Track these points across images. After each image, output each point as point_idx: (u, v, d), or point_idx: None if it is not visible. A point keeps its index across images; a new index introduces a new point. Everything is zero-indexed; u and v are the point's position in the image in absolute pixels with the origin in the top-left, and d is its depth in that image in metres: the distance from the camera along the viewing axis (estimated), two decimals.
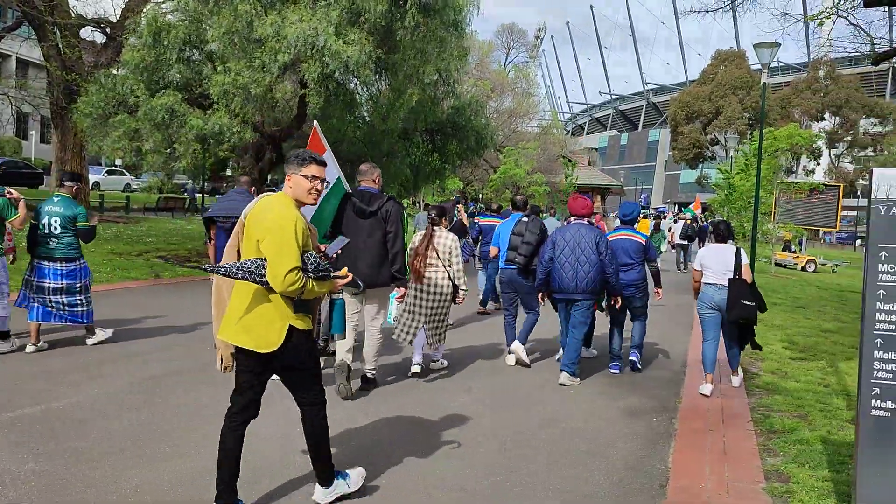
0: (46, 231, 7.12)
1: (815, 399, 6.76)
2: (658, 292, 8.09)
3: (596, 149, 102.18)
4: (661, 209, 74.65)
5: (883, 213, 3.51)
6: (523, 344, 7.69)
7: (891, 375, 3.50)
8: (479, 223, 12.03)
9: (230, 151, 16.30)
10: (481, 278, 12.00)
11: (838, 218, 27.10)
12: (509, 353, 7.82)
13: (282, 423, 5.22)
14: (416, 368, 6.93)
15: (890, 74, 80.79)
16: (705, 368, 7.03)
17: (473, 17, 15.53)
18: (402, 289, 6.29)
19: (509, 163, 36.57)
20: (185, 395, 5.95)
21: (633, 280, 7.60)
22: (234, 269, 3.41)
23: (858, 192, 57.63)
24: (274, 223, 3.44)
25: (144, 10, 15.55)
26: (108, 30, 19.94)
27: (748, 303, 6.72)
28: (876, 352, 3.53)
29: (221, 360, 3.74)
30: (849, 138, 59.40)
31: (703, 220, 34.04)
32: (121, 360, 6.98)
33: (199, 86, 13.79)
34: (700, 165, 71.78)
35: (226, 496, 3.61)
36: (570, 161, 50.15)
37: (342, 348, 6.11)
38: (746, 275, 6.86)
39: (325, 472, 3.86)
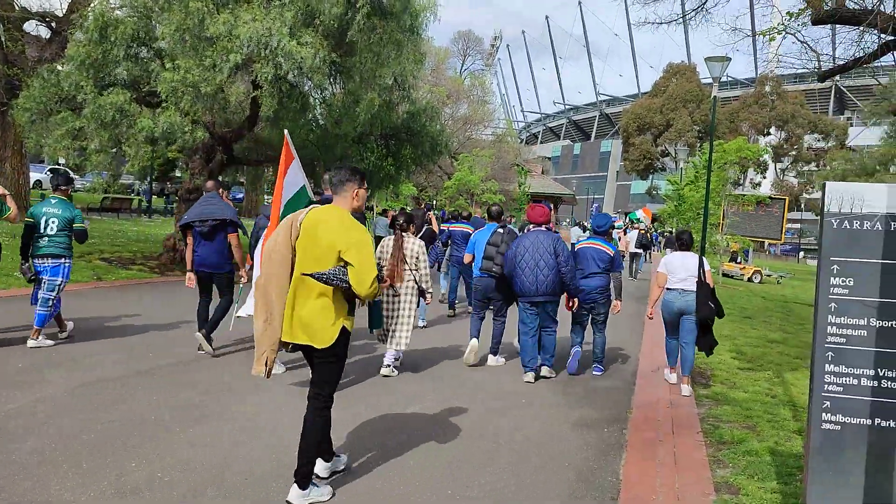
0: (42, 231, 7.43)
1: (763, 410, 6.83)
2: (617, 304, 8.23)
3: (549, 158, 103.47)
4: (612, 218, 75.23)
5: (835, 226, 3.53)
6: (495, 354, 7.95)
7: (841, 389, 3.52)
8: (449, 228, 12.49)
9: (179, 152, 15.93)
10: (443, 283, 12.47)
11: (783, 230, 27.80)
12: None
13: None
14: (385, 370, 7.24)
15: (832, 92, 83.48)
16: (669, 359, 7.91)
17: (430, 23, 15.45)
18: None
19: (464, 170, 36.66)
20: (123, 403, 5.73)
21: (598, 286, 7.91)
22: (328, 276, 3.87)
23: (802, 206, 59.29)
24: (359, 239, 3.94)
25: (91, 4, 15.10)
26: (53, 24, 19.33)
27: (712, 304, 7.25)
28: (827, 365, 3.54)
29: (266, 363, 4.10)
30: (793, 153, 61.12)
31: (655, 230, 34.54)
32: (58, 366, 6.70)
33: (147, 83, 13.44)
34: (650, 176, 73.07)
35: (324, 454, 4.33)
36: (523, 169, 50.62)
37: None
38: (710, 280, 7.41)
39: (306, 473, 4.03)
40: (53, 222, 7.43)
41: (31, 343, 7.40)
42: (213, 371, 6.96)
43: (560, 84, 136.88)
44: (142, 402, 5.76)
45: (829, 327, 3.54)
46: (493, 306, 8.23)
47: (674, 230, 33.15)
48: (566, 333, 8.52)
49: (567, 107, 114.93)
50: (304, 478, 4.02)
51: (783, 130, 62.59)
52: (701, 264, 7.41)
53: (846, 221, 3.51)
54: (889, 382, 3.46)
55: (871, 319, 3.48)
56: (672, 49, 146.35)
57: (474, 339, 8.06)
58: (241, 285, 7.80)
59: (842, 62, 13.20)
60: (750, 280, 27.16)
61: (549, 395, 6.99)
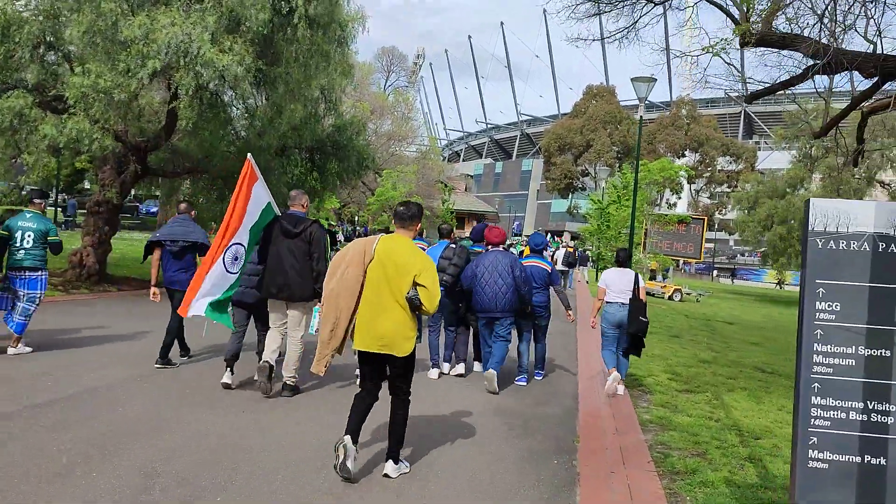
0: (19, 245, 7.77)
1: (710, 435, 6.64)
2: (570, 314, 8.95)
3: (471, 175, 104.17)
4: (536, 234, 76.27)
5: (820, 246, 3.28)
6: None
7: (829, 423, 3.25)
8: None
9: (89, 162, 14.92)
10: None
11: (702, 249, 28.43)
12: (433, 366, 8.52)
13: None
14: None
15: (742, 117, 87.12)
16: (607, 365, 8.38)
17: (358, 35, 15.03)
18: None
19: (387, 185, 36.24)
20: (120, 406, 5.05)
21: (540, 302, 8.64)
22: (415, 298, 4.66)
23: (716, 226, 61.25)
24: (430, 265, 4.78)
25: None
26: None
27: (644, 319, 8.00)
28: (814, 398, 3.27)
29: (326, 365, 4.91)
30: (707, 174, 63.16)
31: (576, 248, 34.87)
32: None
33: (54, 88, 12.52)
34: (571, 195, 74.27)
35: (353, 433, 4.79)
36: (447, 186, 50.52)
37: (269, 349, 6.86)
38: (642, 295, 8.19)
39: (396, 452, 4.94)
40: (29, 235, 7.79)
41: (11, 351, 7.74)
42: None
43: (482, 103, 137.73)
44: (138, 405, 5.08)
45: (814, 356, 3.27)
46: (445, 318, 8.72)
47: (593, 247, 33.56)
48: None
49: (489, 125, 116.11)
50: (397, 455, 4.93)
51: (698, 153, 64.74)
52: (636, 281, 8.21)
53: (832, 241, 3.26)
54: (879, 416, 3.21)
55: (859, 347, 3.24)
56: (591, 71, 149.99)
57: (435, 370, 8.49)
58: None
59: (766, 84, 13.43)
60: (671, 298, 27.60)
61: (492, 425, 6.60)
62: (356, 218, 51.80)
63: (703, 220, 27.95)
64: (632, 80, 17.96)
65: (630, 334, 8.10)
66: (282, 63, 12.86)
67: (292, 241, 6.74)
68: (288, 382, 6.94)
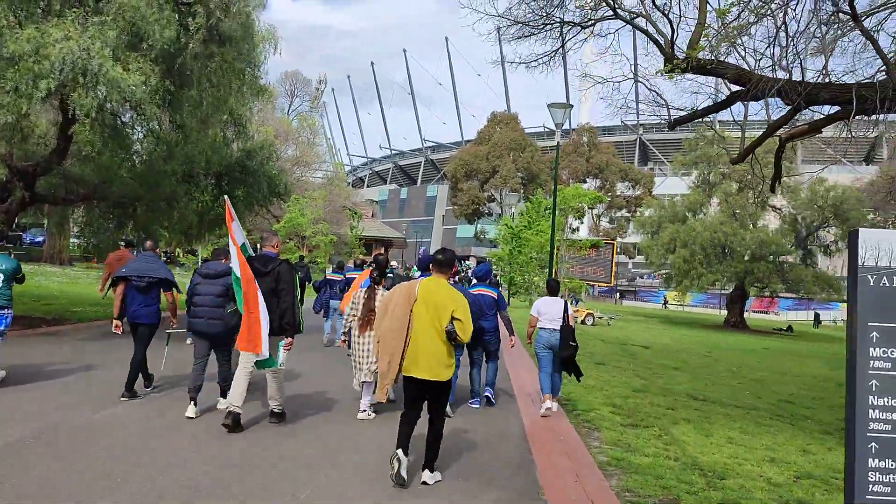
0: None
1: (675, 477, 6.24)
2: (511, 339, 9.45)
3: (376, 201, 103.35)
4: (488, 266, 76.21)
5: (872, 283, 2.85)
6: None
7: (889, 489, 2.79)
8: (347, 276, 13.53)
9: None
10: (326, 327, 14.06)
11: (613, 273, 28.73)
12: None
13: None
14: (363, 415, 7.81)
15: (637, 144, 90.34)
16: (542, 391, 8.96)
17: (270, 56, 14.25)
18: (289, 338, 7.11)
19: (294, 212, 35.10)
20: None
21: (490, 327, 9.11)
22: (454, 331, 5.47)
23: (617, 250, 62.72)
24: (464, 303, 5.63)
25: None
26: None
27: (573, 343, 8.70)
28: (871, 460, 2.82)
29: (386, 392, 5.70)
30: (608, 199, 64.74)
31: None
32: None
33: None
34: (477, 221, 74.64)
35: (404, 447, 5.55)
36: (355, 213, 49.72)
37: (235, 392, 7.00)
38: (571, 321, 8.91)
39: (433, 462, 5.71)
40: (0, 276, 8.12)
41: None
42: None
43: (386, 129, 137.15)
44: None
45: (870, 411, 2.82)
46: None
47: (503, 272, 33.48)
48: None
49: (393, 151, 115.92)
50: (433, 464, 5.72)
51: (599, 178, 66.35)
52: (566, 308, 8.89)
53: (885, 278, 2.84)
54: None
55: None
56: (492, 99, 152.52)
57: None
58: (171, 328, 8.90)
59: (682, 111, 13.47)
60: (583, 322, 27.69)
61: (449, 481, 5.94)
62: (258, 246, 50.24)
63: (613, 244, 28.24)
64: (548, 105, 17.91)
65: (562, 358, 8.80)
66: (191, 84, 11.94)
67: (262, 279, 7.01)
68: (275, 411, 7.33)
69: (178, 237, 16.45)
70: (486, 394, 9.20)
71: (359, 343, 7.98)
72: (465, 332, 5.48)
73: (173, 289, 8.37)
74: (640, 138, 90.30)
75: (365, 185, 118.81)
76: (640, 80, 13.30)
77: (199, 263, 20.24)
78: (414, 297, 5.60)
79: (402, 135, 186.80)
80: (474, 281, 9.74)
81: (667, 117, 13.20)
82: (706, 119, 15.53)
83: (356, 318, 8.01)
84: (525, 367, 13.02)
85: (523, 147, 65.64)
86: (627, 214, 69.17)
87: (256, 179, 16.63)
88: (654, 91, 13.46)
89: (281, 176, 17.76)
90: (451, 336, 5.46)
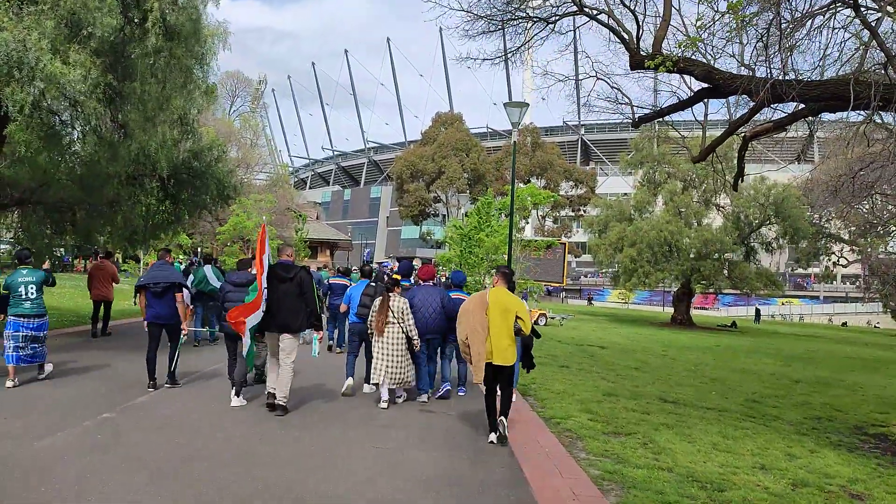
0: (24, 296, 9.23)
1: (675, 491, 5.92)
2: None
3: (319, 203, 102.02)
4: (385, 263, 75.80)
5: None
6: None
7: None
8: (330, 282, 14.63)
9: None
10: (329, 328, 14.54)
11: (565, 273, 28.65)
12: (348, 380, 9.79)
13: None
14: (383, 405, 8.93)
15: (579, 145, 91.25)
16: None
17: (219, 52, 13.54)
18: (319, 332, 8.59)
19: (242, 215, 34.06)
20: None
21: None
22: (519, 328, 7.32)
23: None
24: (524, 306, 7.63)
25: None
26: None
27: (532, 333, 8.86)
28: None
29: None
30: (560, 197, 65.03)
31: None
32: None
33: None
34: (422, 222, 74.22)
35: (493, 424, 7.48)
36: (300, 215, 48.66)
37: (272, 378, 8.40)
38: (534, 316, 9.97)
39: (507, 412, 7.56)
40: (31, 287, 9.27)
41: (42, 375, 9.53)
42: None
43: (328, 130, 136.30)
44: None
45: None
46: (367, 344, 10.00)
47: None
48: None
49: (336, 153, 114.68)
50: (507, 413, 7.56)
51: (543, 178, 66.59)
52: (525, 297, 9.80)
53: None
54: None
55: None
56: (435, 100, 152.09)
57: (350, 378, 9.78)
58: (183, 335, 9.67)
59: (649, 109, 13.31)
60: (536, 322, 27.56)
61: (443, 499, 5.50)
62: (199, 250, 48.45)
63: (566, 245, 28.18)
64: (505, 104, 17.51)
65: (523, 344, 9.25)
66: (136, 78, 11.17)
67: (285, 284, 8.19)
68: (280, 402, 8.18)
69: (122, 243, 15.54)
70: (460, 392, 10.25)
71: (376, 346, 9.13)
72: (526, 326, 7.35)
73: (184, 290, 9.57)
74: (581, 139, 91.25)
75: (307, 186, 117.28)
76: (602, 77, 13.07)
77: (143, 270, 19.32)
78: (486, 304, 7.36)
79: (345, 136, 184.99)
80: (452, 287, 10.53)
81: (631, 115, 13.02)
82: (666, 119, 15.48)
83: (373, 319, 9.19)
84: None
85: (469, 148, 65.51)
86: (572, 214, 69.73)
87: (205, 182, 15.84)
88: (617, 88, 13.28)
89: (230, 177, 16.97)
90: (517, 331, 7.28)
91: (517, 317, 7.26)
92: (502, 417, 7.40)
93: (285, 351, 8.23)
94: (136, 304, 13.43)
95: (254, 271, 8.54)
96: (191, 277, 13.67)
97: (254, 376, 9.67)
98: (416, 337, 9.20)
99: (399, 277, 9.72)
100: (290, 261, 8.47)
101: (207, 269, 13.88)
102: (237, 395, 8.67)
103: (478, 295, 7.52)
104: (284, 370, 8.21)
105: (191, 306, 11.53)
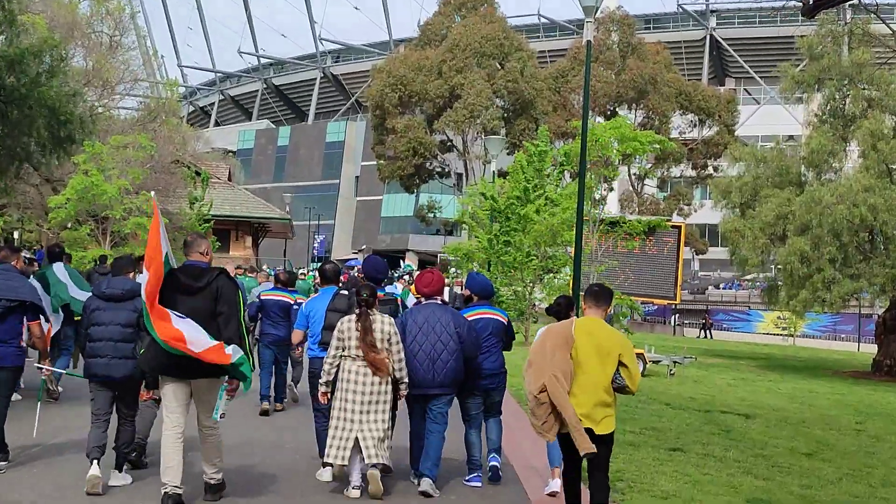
0: None
1: None
2: None
3: (233, 152, 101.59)
4: (353, 262, 76.31)
5: None
6: (433, 477, 9.85)
7: None
8: (261, 297, 15.88)
9: None
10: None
11: (679, 281, 28.75)
12: (324, 465, 10.14)
13: None
14: (354, 493, 9.45)
15: (707, 48, 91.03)
16: (551, 462, 10.17)
17: None
18: (235, 381, 8.68)
19: (92, 173, 34.19)
20: None
21: (493, 369, 10.50)
22: (621, 380, 7.85)
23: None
24: (629, 344, 8.29)
25: None
26: None
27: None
28: None
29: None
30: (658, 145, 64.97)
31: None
32: None
33: None
34: (419, 187, 74.28)
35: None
36: (198, 173, 48.74)
37: (170, 469, 8.52)
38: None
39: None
40: None
41: None
42: None
43: (251, 26, 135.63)
44: None
45: None
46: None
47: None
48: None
49: (264, 62, 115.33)
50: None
51: (639, 107, 66.52)
52: None
53: None
54: None
55: None
56: None
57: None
58: (43, 377, 11.05)
59: None
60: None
61: None
62: (15, 234, 48.49)
63: (681, 229, 28.29)
64: None
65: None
66: None
67: (194, 298, 8.53)
68: (211, 482, 8.81)
69: None
70: (493, 463, 10.61)
71: (341, 398, 9.50)
72: (634, 381, 7.96)
73: (41, 317, 10.03)
74: (711, 36, 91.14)
75: (211, 120, 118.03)
76: None
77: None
78: (572, 340, 7.82)
79: (281, 31, 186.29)
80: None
81: None
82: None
83: (348, 356, 9.50)
84: (521, 426, 13.45)
85: (506, 52, 65.57)
86: (692, 174, 69.67)
87: (27, 112, 16.07)
88: None
89: (73, 104, 17.19)
90: (618, 386, 7.82)
91: (621, 362, 7.73)
92: None
93: (204, 406, 8.75)
94: None
95: (140, 276, 8.87)
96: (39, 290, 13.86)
97: (135, 454, 9.97)
98: (404, 376, 9.60)
99: (371, 286, 10.02)
100: (203, 262, 8.89)
101: (58, 270, 14.13)
102: (119, 468, 9.25)
103: (560, 326, 8.15)
104: (207, 439, 8.77)
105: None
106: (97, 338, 9.13)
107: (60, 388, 14.62)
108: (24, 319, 9.85)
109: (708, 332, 66.52)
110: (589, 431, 7.62)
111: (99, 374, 9.11)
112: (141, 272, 8.93)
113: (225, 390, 8.84)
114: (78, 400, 13.64)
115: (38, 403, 10.52)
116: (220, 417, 8.97)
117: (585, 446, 7.58)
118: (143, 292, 8.34)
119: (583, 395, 7.65)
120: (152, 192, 8.65)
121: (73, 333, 14.25)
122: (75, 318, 13.73)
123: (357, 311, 9.59)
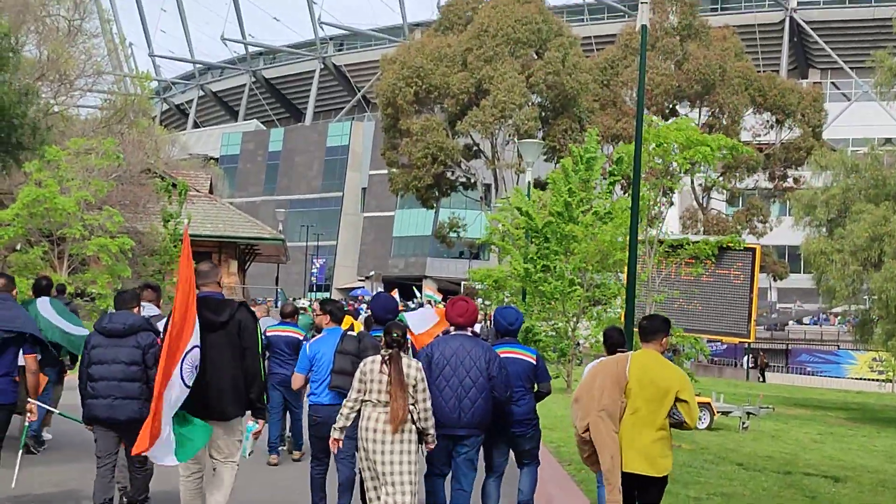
0: None
1: None
2: None
3: (215, 159, 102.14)
4: (360, 292, 76.51)
5: None
6: None
7: None
8: (267, 333, 15.42)
9: None
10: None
11: (753, 314, 28.61)
12: None
13: None
14: None
15: (786, 33, 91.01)
16: None
17: None
18: (261, 421, 9.61)
19: (47, 183, 34.35)
20: None
21: (525, 413, 11.03)
22: (679, 416, 8.69)
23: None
24: (688, 380, 9.22)
25: None
26: None
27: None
28: None
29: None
30: (729, 151, 64.84)
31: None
32: None
33: None
34: (438, 200, 74.36)
35: None
36: (174, 185, 48.97)
37: None
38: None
39: None
40: None
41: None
42: None
43: (237, 8, 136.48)
44: None
45: None
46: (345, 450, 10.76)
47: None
48: None
49: (252, 51, 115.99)
50: None
51: (704, 104, 66.47)
52: None
53: None
54: None
55: None
56: None
57: None
58: (27, 423, 11.06)
59: None
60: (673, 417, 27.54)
61: None
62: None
63: (756, 252, 28.17)
64: None
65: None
66: None
67: (216, 335, 9.08)
68: None
69: None
70: None
71: (379, 451, 9.61)
72: (693, 417, 8.79)
73: (37, 349, 10.60)
74: (791, 19, 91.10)
75: (190, 121, 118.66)
76: None
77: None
78: (624, 380, 8.68)
79: (273, 14, 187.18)
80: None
81: None
82: None
83: (368, 402, 9.70)
84: (554, 476, 13.96)
85: (544, 38, 65.65)
86: (769, 185, 69.51)
87: None
88: None
89: (25, 103, 17.32)
90: (676, 422, 8.65)
91: (678, 398, 8.57)
92: None
93: (222, 454, 9.44)
94: None
95: (149, 312, 9.68)
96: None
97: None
98: (431, 426, 9.76)
99: (403, 325, 10.55)
100: (219, 294, 9.49)
101: (43, 308, 14.31)
102: None
103: (612, 362, 9.13)
104: (223, 475, 9.47)
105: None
106: (98, 377, 9.62)
107: (49, 436, 15.29)
108: (21, 352, 10.30)
109: (761, 375, 66.14)
110: (642, 477, 8.52)
111: (101, 416, 9.60)
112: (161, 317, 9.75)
113: (252, 431, 9.62)
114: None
115: (20, 452, 11.02)
116: (248, 455, 9.90)
117: (613, 497, 8.48)
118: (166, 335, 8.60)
119: (638, 435, 8.39)
120: (185, 220, 8.91)
121: (55, 377, 14.92)
122: (60, 358, 14.85)
123: (386, 352, 9.67)
